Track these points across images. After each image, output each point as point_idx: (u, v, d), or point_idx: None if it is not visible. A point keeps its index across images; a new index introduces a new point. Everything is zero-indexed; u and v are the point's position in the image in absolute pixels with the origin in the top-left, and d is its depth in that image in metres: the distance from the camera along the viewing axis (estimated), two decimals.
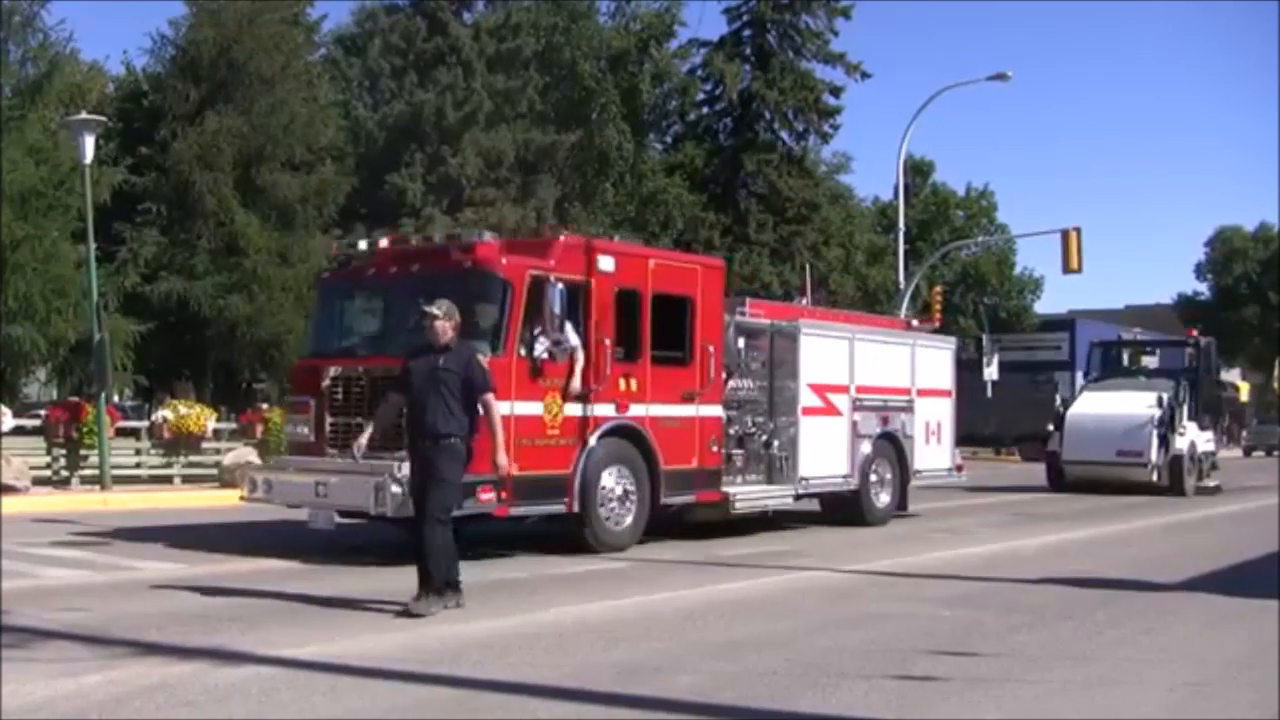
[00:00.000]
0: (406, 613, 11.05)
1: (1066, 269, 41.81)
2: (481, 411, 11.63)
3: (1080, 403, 33.42)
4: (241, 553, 15.64)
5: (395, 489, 14.19)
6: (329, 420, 15.91)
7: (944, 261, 62.06)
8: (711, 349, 17.65)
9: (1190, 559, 16.97)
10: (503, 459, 11.89)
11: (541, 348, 15.44)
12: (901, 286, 51.18)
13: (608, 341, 16.22)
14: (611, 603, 12.32)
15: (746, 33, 58.32)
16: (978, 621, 11.41)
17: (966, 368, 63.10)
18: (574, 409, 15.89)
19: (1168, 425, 30.87)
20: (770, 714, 7.92)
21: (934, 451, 22.54)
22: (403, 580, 11.93)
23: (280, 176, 43.92)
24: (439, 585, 11.30)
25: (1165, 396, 31.14)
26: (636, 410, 16.69)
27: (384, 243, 16.89)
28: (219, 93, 45.00)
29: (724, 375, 18.21)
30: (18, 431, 28.40)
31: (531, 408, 15.40)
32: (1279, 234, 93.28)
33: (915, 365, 22.07)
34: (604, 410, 16.27)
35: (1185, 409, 31.95)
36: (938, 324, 26.53)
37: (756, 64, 57.83)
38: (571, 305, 15.89)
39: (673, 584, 13.78)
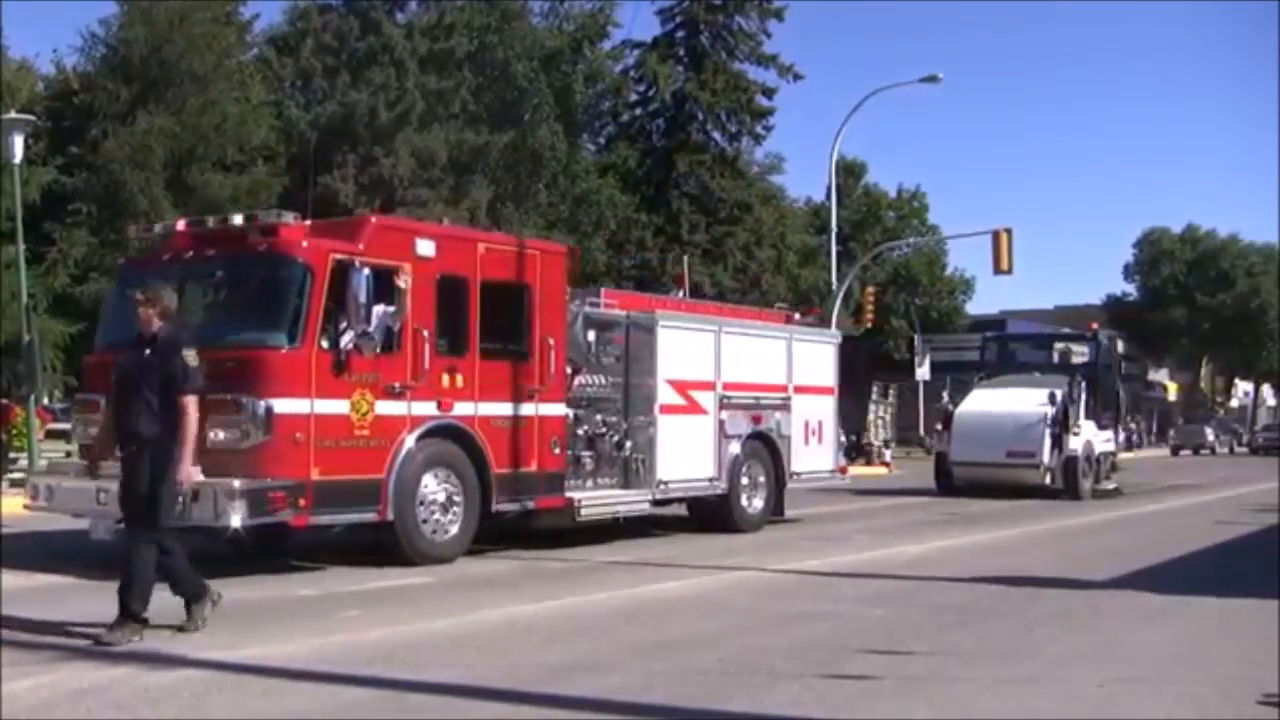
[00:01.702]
0: (98, 641, 9.13)
1: (997, 270, 40.14)
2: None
3: (969, 400, 30.82)
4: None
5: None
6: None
7: (876, 262, 60.21)
8: (553, 342, 15.63)
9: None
10: (184, 471, 9.63)
11: (347, 340, 13.33)
12: (834, 287, 49.42)
13: (427, 333, 14.14)
14: (543, 604, 11.80)
15: (680, 34, 56.84)
16: (907, 619, 11.10)
17: (899, 368, 62.41)
18: (388, 407, 13.84)
19: (1061, 424, 28.22)
20: (704, 713, 7.72)
21: (814, 453, 20.40)
22: (324, 582, 12.23)
23: (212, 176, 42.61)
24: (135, 611, 9.29)
25: (1059, 394, 28.48)
26: (463, 408, 14.65)
27: (181, 225, 14.74)
28: (150, 92, 43.79)
29: (569, 370, 16.16)
30: None
31: (335, 406, 13.40)
32: (1205, 235, 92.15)
33: (793, 360, 19.92)
34: (424, 408, 14.26)
35: (1081, 407, 29.25)
36: (817, 315, 23.95)
37: (690, 65, 56.31)
38: (384, 293, 13.85)
39: (606, 584, 13.23)
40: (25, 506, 14.31)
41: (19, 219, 26.48)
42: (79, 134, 43.93)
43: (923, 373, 57.25)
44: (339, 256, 13.39)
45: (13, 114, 27.69)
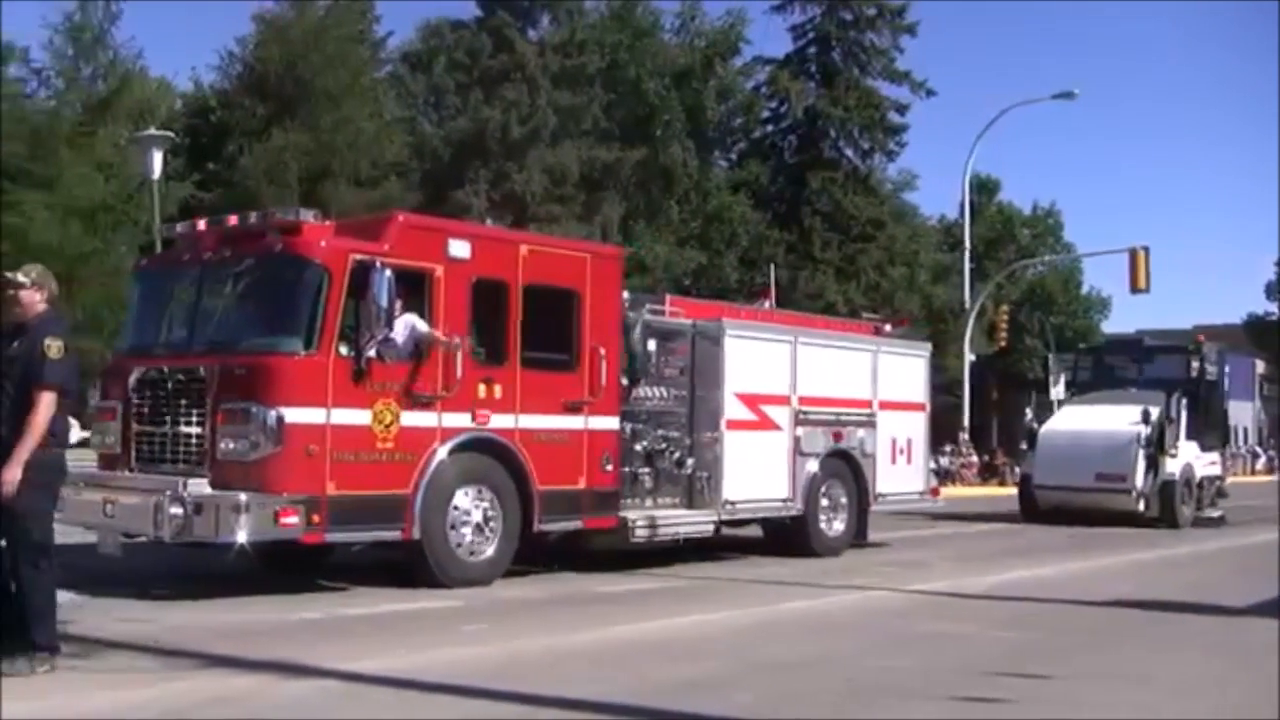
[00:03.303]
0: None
1: (1134, 288, 38.92)
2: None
3: (1056, 419, 27.76)
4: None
5: (175, 510, 11.37)
6: (135, 429, 12.63)
7: (1010, 280, 58.13)
8: (604, 351, 14.14)
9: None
10: (10, 470, 7.92)
11: (369, 346, 12.04)
12: (968, 305, 47.57)
13: (459, 340, 12.76)
14: (670, 621, 11.37)
15: (812, 50, 55.67)
16: (1035, 642, 10.62)
17: (1033, 387, 60.00)
18: (415, 418, 12.51)
19: (1156, 445, 24.74)
20: None
21: (902, 473, 18.57)
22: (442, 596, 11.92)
23: (345, 192, 42.14)
24: (40, 639, 8.01)
25: (1154, 412, 24.91)
26: (501, 421, 13.24)
27: (201, 224, 13.55)
28: (285, 109, 43.83)
29: (624, 382, 14.67)
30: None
31: (354, 416, 12.10)
32: None
33: (878, 374, 18.14)
34: (457, 420, 12.90)
35: (1182, 426, 25.72)
36: (906, 325, 21.83)
37: (822, 81, 55.03)
38: (412, 297, 12.57)
39: (731, 603, 12.64)
40: None
41: (157, 233, 26.22)
42: (216, 150, 43.94)
43: (1057, 392, 54.75)
44: (359, 257, 12.10)
45: (152, 131, 27.91)
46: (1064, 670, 9.16)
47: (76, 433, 22.76)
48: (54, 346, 8.01)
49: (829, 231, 53.90)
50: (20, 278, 8.23)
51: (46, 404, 8.01)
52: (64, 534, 13.32)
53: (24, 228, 34.15)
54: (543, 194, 48.59)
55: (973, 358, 47.29)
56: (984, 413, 52.13)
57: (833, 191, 53.85)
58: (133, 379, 12.68)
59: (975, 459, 48.16)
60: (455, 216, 42.73)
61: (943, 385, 59.63)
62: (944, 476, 45.05)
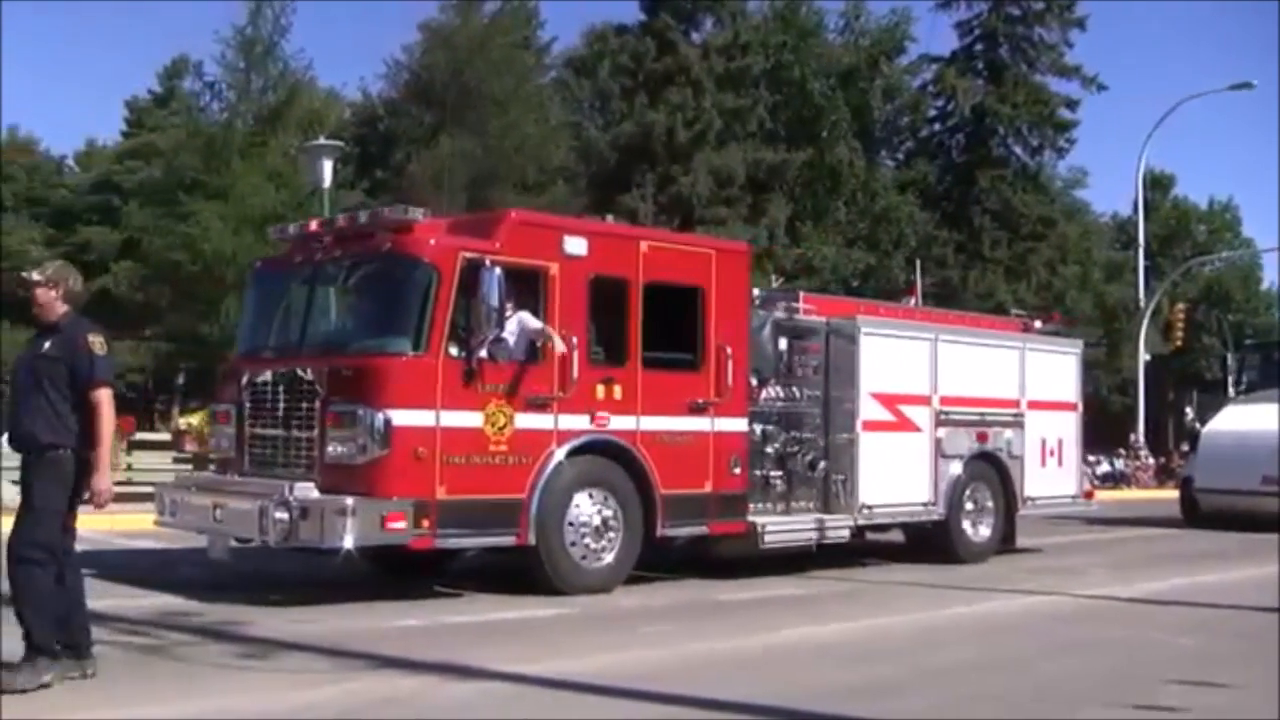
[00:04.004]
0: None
1: None
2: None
3: (1220, 419, 25.56)
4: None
5: (281, 514, 10.96)
6: (248, 432, 12.31)
7: (1186, 278, 55.95)
8: (731, 350, 13.42)
9: None
10: (102, 480, 7.72)
11: (481, 346, 11.54)
12: (1142, 304, 45.93)
13: (576, 339, 12.20)
14: (841, 625, 11.13)
15: (979, 46, 54.20)
16: (1215, 650, 10.09)
17: (1212, 388, 57.78)
18: (530, 421, 11.95)
19: None
20: None
21: (1053, 475, 17.43)
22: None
23: (512, 197, 41.96)
24: (41, 645, 7.52)
25: None
26: (621, 423, 12.64)
27: (314, 225, 13.17)
28: (452, 116, 43.70)
29: (754, 382, 13.96)
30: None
31: (465, 418, 11.60)
32: None
33: (1026, 372, 17.08)
34: (574, 422, 12.32)
35: None
36: (1055, 321, 20.42)
37: (989, 78, 53.56)
38: (525, 296, 12.04)
39: (899, 608, 12.28)
40: (155, 522, 12.93)
41: None
42: (384, 158, 44.11)
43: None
44: (469, 255, 11.59)
45: (322, 140, 27.90)
46: (1241, 679, 8.63)
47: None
48: (97, 342, 7.64)
49: (998, 230, 52.58)
50: (35, 275, 7.82)
51: (108, 401, 7.67)
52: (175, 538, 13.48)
53: (199, 237, 34.58)
54: (709, 196, 48.18)
55: (1147, 357, 45.61)
56: (1160, 414, 50.25)
57: (1002, 190, 52.47)
58: (245, 381, 12.39)
59: (1150, 461, 46.40)
60: (623, 221, 42.69)
61: (1117, 386, 58.10)
62: (1118, 480, 43.56)
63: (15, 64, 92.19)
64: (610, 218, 14.80)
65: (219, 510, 11.71)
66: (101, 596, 11.01)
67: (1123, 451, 45.57)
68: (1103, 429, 53.01)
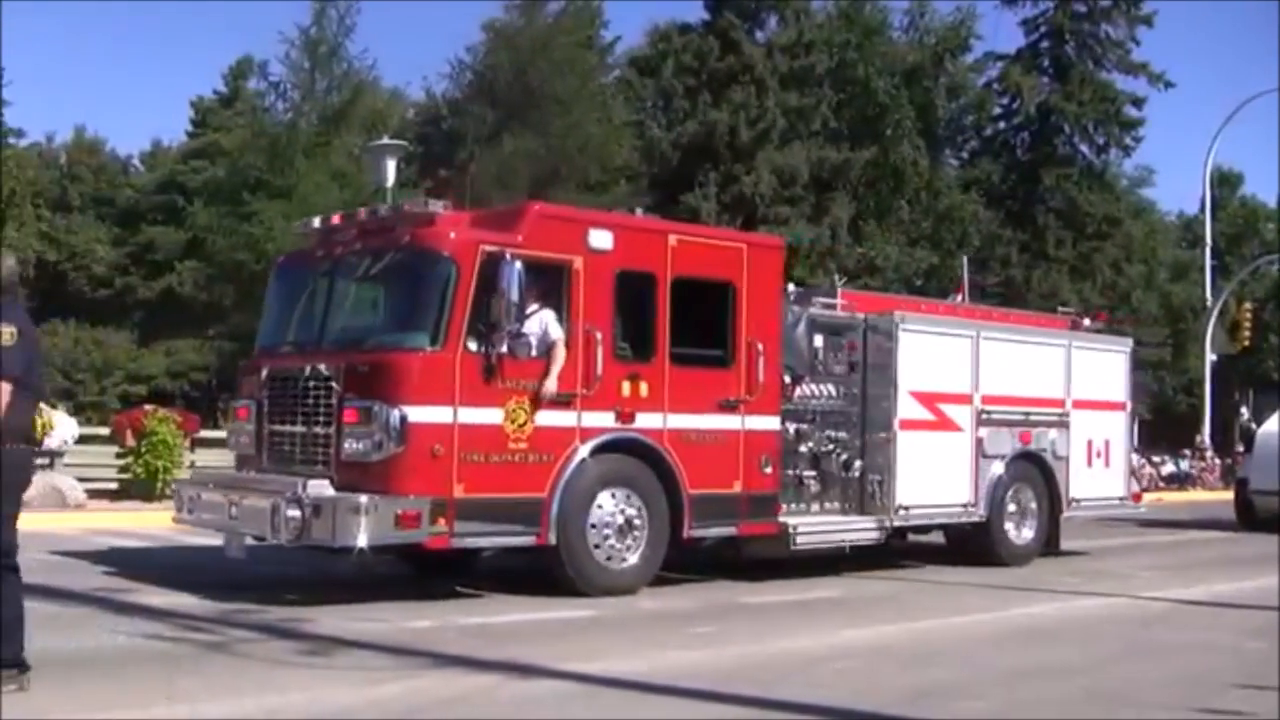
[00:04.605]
0: None
1: None
2: None
3: (1275, 419, 24.29)
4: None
5: (293, 512, 10.63)
6: (267, 428, 12.01)
7: (1254, 277, 54.65)
8: (762, 347, 12.96)
9: None
10: None
11: (501, 342, 11.16)
12: (1209, 303, 44.94)
13: (600, 335, 11.78)
14: (903, 625, 10.94)
15: (1044, 44, 53.13)
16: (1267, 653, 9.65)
17: (1269, 389, 56.55)
18: (552, 418, 11.55)
19: None
20: None
21: (1100, 477, 16.77)
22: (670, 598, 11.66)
23: (575, 197, 41.61)
24: (7, 653, 7.06)
25: None
26: (648, 420, 12.21)
27: (335, 219, 12.83)
28: (515, 115, 43.42)
29: (787, 380, 13.50)
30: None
31: (484, 415, 11.22)
32: None
33: (1072, 371, 16.44)
34: (598, 419, 11.91)
35: None
36: (1105, 320, 19.60)
37: (1055, 76, 52.56)
38: (549, 290, 11.64)
39: (963, 608, 12.05)
40: (174, 519, 12.66)
41: None
42: (447, 158, 43.87)
43: None
44: (489, 248, 11.20)
45: (386, 140, 27.67)
46: None
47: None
48: (6, 333, 7.07)
49: (1063, 229, 51.59)
50: None
51: (7, 393, 7.04)
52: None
53: (262, 237, 34.50)
54: (772, 196, 47.65)
55: (1214, 358, 44.65)
56: (1226, 415, 49.09)
57: (1067, 188, 51.48)
58: (264, 377, 12.09)
59: (1216, 462, 45.38)
60: (685, 219, 42.32)
61: (1183, 386, 56.98)
62: (1183, 481, 42.64)
63: (83, 66, 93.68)
64: (639, 212, 14.20)
65: (234, 508, 11.42)
66: (163, 593, 11.09)
67: (1188, 452, 44.67)
68: (1168, 430, 52.08)
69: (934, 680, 8.45)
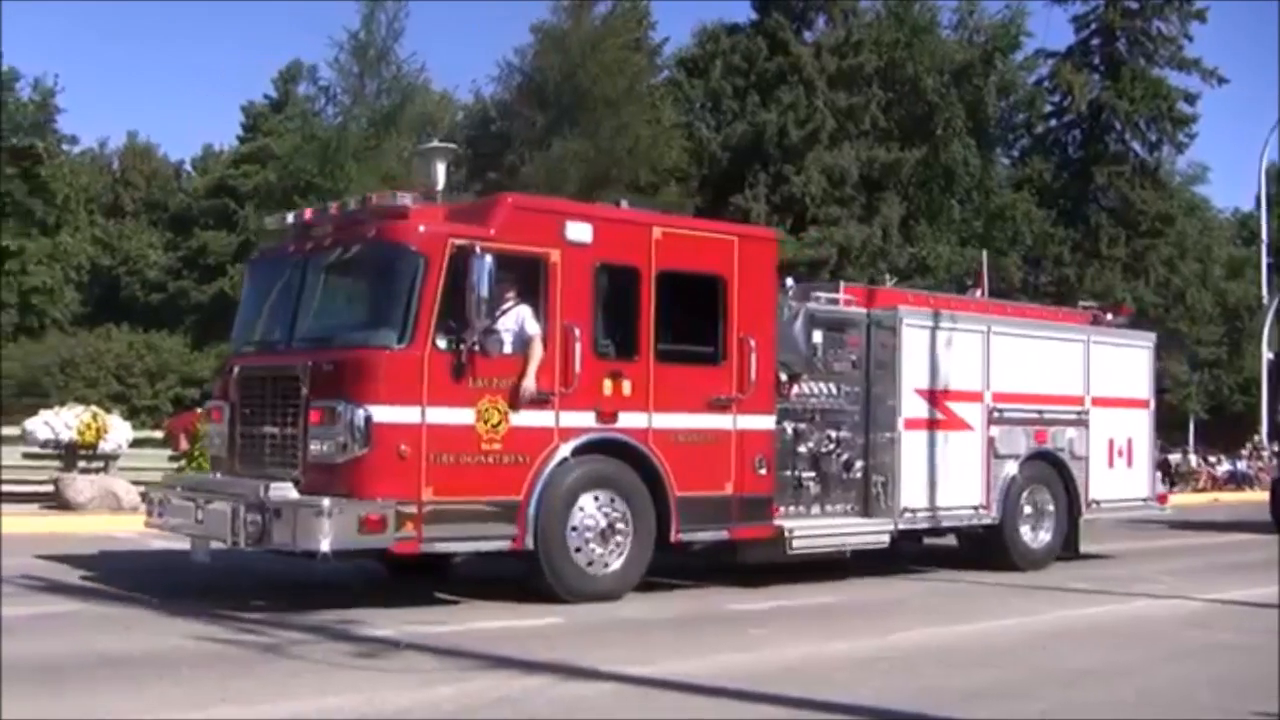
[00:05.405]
0: None
1: None
2: None
3: None
4: None
5: (253, 516, 10.12)
6: (239, 429, 11.51)
7: None
8: (755, 343, 12.30)
9: None
10: None
11: (471, 339, 10.58)
12: (1265, 301, 43.82)
13: (579, 331, 11.18)
14: (954, 628, 10.74)
15: (1095, 41, 52.25)
16: None
17: None
18: (529, 418, 10.96)
19: None
20: None
21: (1122, 477, 15.91)
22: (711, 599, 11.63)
23: (625, 198, 41.05)
24: None
25: None
26: (631, 420, 11.59)
27: (308, 214, 12.28)
28: (564, 117, 43.16)
29: (784, 377, 12.83)
30: None
31: (455, 415, 10.65)
32: None
33: (1091, 367, 15.63)
34: (578, 419, 11.30)
35: None
36: (1128, 314, 18.72)
37: (1106, 73, 51.61)
38: (524, 285, 11.05)
39: (1013, 610, 11.74)
40: (145, 523, 12.17)
41: None
42: (497, 160, 43.56)
43: None
44: (459, 241, 10.62)
45: (436, 143, 27.28)
46: None
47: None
48: None
49: (1116, 228, 50.73)
50: None
51: None
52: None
53: None
54: (822, 196, 47.11)
55: (1270, 356, 43.40)
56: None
57: (1119, 186, 50.60)
58: (235, 376, 11.59)
59: (1275, 462, 44.14)
60: (737, 220, 41.70)
61: (1239, 385, 55.56)
62: (1240, 480, 41.49)
63: (135, 73, 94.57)
64: (623, 203, 13.57)
65: (200, 512, 10.93)
66: (214, 596, 10.78)
67: (1245, 452, 43.51)
68: (1225, 429, 50.80)
69: (988, 682, 8.39)
